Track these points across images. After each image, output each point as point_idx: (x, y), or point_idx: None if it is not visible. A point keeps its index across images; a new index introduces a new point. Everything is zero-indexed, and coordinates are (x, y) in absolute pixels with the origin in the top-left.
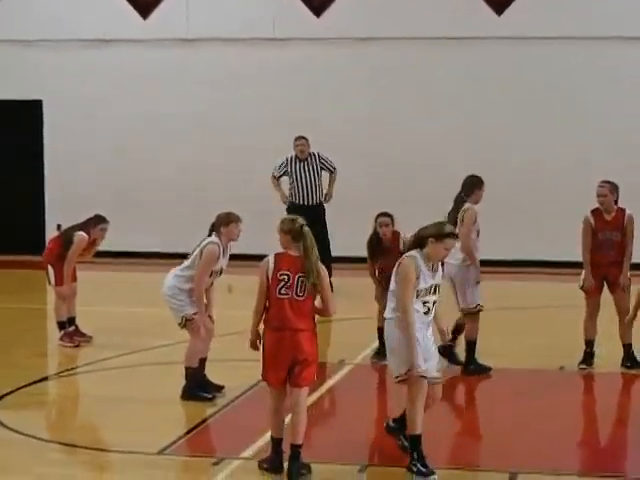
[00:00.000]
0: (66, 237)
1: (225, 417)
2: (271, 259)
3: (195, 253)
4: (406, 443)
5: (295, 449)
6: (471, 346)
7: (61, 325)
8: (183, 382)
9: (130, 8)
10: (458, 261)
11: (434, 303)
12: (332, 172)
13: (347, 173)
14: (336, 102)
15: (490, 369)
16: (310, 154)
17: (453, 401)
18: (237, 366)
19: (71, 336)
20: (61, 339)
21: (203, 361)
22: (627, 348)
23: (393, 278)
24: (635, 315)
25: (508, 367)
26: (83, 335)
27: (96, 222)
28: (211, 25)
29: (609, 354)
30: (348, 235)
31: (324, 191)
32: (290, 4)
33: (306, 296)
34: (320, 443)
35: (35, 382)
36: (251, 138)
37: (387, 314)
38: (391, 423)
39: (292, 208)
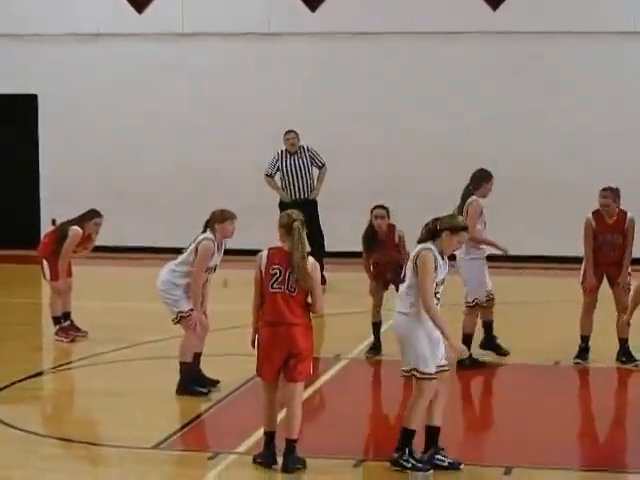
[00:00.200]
0: (61, 232)
1: (220, 412)
2: (264, 254)
3: (190, 249)
4: (447, 461)
5: (290, 443)
6: (468, 339)
7: (56, 320)
8: (178, 377)
9: (125, 2)
10: (462, 254)
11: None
12: (321, 167)
13: (344, 167)
14: (333, 97)
15: (484, 364)
16: (300, 148)
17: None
18: (232, 361)
19: (66, 331)
20: (56, 334)
21: (198, 356)
22: (623, 343)
23: (410, 272)
24: (631, 315)
25: (503, 361)
26: (78, 330)
27: (90, 217)
28: (207, 20)
29: (604, 349)
30: (344, 229)
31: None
32: None
33: (298, 291)
34: (315, 438)
35: (30, 377)
36: (247, 133)
37: (403, 308)
38: (394, 455)
39: (284, 202)
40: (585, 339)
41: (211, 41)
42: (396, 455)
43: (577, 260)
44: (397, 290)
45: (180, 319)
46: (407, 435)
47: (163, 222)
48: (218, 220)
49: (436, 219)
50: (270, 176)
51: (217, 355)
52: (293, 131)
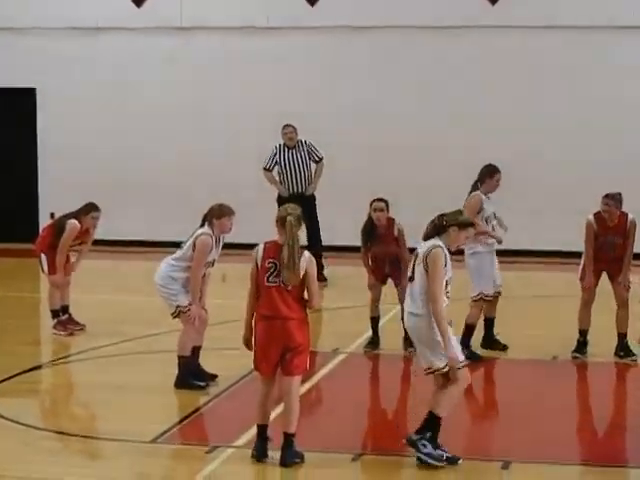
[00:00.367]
0: (58, 225)
1: (218, 406)
2: (260, 247)
3: (188, 244)
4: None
5: (288, 437)
6: (470, 330)
7: (54, 313)
8: (177, 371)
9: None
10: (467, 249)
11: None
12: (318, 162)
13: (343, 162)
14: (332, 91)
15: (481, 358)
16: (299, 142)
17: None
18: (231, 355)
19: (64, 324)
20: (54, 327)
21: (197, 350)
22: (621, 337)
23: (421, 271)
24: None
25: (501, 356)
26: (77, 323)
27: (88, 210)
28: (205, 14)
29: (603, 343)
30: (343, 224)
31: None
32: None
33: (294, 285)
34: (313, 432)
35: (28, 370)
36: (247, 126)
37: (416, 309)
38: (413, 436)
39: (282, 197)
40: (583, 333)
41: (210, 35)
42: (415, 437)
43: (576, 255)
44: (396, 285)
45: (179, 313)
46: (433, 420)
47: (162, 216)
48: (216, 216)
49: (442, 215)
50: (268, 170)
51: (216, 349)
52: (291, 125)
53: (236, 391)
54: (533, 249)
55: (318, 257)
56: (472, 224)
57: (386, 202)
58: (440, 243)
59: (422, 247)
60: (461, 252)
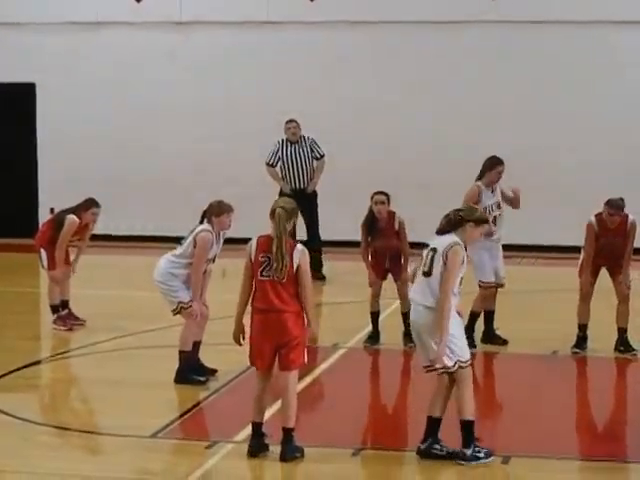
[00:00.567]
0: (58, 220)
1: (218, 401)
2: (254, 242)
3: (188, 240)
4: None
5: (287, 432)
6: (473, 317)
7: (54, 309)
8: (177, 365)
9: None
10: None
11: None
12: (318, 158)
13: (343, 157)
14: (332, 86)
15: (475, 347)
16: (301, 137)
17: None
18: (230, 350)
19: (64, 319)
20: (54, 322)
21: (197, 345)
22: (621, 332)
23: (440, 264)
24: None
25: (501, 350)
26: (76, 319)
27: (87, 206)
28: (204, 8)
29: (603, 338)
30: (343, 220)
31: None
32: None
33: (287, 279)
34: (313, 427)
35: (28, 365)
36: (247, 121)
37: (432, 303)
38: (468, 451)
39: (283, 192)
40: (583, 328)
41: (209, 29)
42: (469, 452)
43: (576, 249)
44: (395, 280)
45: (180, 310)
46: (470, 427)
47: (162, 211)
48: (215, 213)
49: (458, 210)
50: (271, 165)
51: (215, 344)
52: (294, 120)
53: (236, 386)
54: (533, 244)
55: (317, 254)
56: (487, 221)
57: (387, 195)
58: (458, 239)
59: (438, 242)
60: None
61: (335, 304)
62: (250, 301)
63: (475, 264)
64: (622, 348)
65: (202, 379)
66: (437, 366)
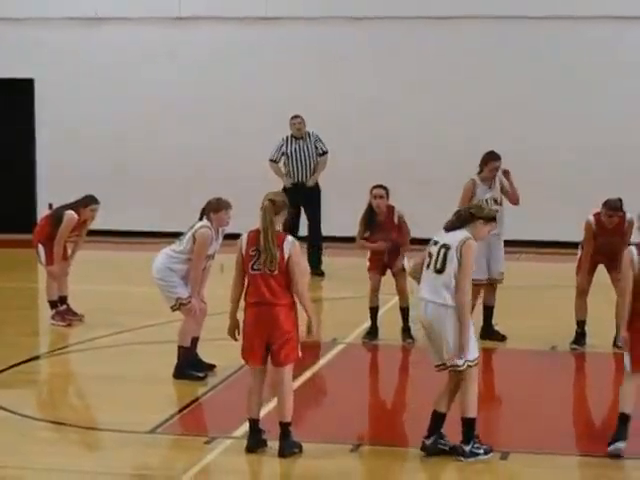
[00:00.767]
0: (56, 216)
1: (217, 396)
2: (245, 236)
3: (188, 237)
4: (449, 446)
5: (284, 427)
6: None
7: (52, 304)
8: (175, 361)
9: None
10: None
11: None
12: (321, 155)
13: (343, 153)
14: (332, 82)
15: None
16: (306, 133)
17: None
18: (229, 345)
19: (63, 315)
20: (53, 318)
21: (195, 340)
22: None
23: (453, 260)
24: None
25: (500, 346)
26: (75, 314)
27: (86, 203)
28: (203, 4)
29: (601, 334)
30: (343, 215)
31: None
32: None
33: (279, 271)
34: (312, 422)
35: (26, 361)
36: (247, 117)
37: (447, 301)
38: (466, 447)
39: (287, 189)
40: (581, 324)
41: (207, 25)
42: (468, 448)
43: (575, 245)
44: (393, 274)
45: (179, 306)
46: (471, 424)
47: (162, 207)
48: (213, 210)
49: (469, 207)
50: (275, 161)
51: (214, 340)
52: (299, 116)
53: (234, 381)
54: (532, 239)
55: (317, 251)
56: (495, 218)
57: (386, 189)
58: (469, 235)
59: (450, 238)
60: None
61: (334, 299)
62: (243, 296)
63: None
64: (620, 344)
65: (201, 375)
66: (458, 362)
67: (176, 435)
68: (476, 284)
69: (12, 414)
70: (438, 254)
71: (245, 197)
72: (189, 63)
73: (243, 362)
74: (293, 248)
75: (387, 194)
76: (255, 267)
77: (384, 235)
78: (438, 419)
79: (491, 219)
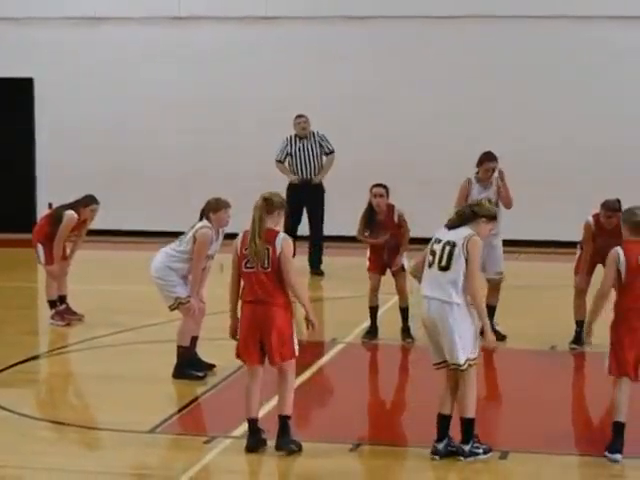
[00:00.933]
0: (55, 216)
1: (216, 396)
2: (240, 236)
3: (189, 236)
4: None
5: (283, 420)
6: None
7: (52, 304)
8: (174, 360)
9: None
10: None
11: None
12: (328, 154)
13: (343, 152)
14: (331, 81)
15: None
16: (311, 133)
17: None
18: (228, 345)
19: (62, 315)
20: (52, 317)
21: (195, 340)
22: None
23: (460, 257)
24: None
25: (499, 346)
26: (74, 314)
27: (86, 203)
28: (203, 3)
29: (601, 334)
30: (343, 214)
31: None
32: None
33: (271, 267)
34: (311, 422)
35: (26, 360)
36: (246, 116)
37: (453, 298)
38: (466, 447)
39: (292, 187)
40: (580, 324)
41: (207, 24)
42: (468, 447)
43: (574, 245)
44: (393, 274)
45: (178, 305)
46: (470, 424)
47: (162, 206)
48: (213, 209)
49: (471, 205)
50: (280, 162)
51: (213, 339)
52: (304, 115)
53: (234, 381)
54: (531, 239)
55: (318, 250)
56: (496, 217)
57: (386, 188)
58: (473, 231)
59: (454, 236)
60: None
61: (334, 299)
62: (240, 295)
63: None
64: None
65: (200, 374)
66: (460, 360)
67: (176, 435)
68: None
69: (12, 413)
70: (443, 251)
71: (245, 197)
72: (189, 63)
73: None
74: (285, 243)
75: (387, 193)
76: (248, 265)
77: (383, 234)
78: (445, 422)
79: (493, 217)
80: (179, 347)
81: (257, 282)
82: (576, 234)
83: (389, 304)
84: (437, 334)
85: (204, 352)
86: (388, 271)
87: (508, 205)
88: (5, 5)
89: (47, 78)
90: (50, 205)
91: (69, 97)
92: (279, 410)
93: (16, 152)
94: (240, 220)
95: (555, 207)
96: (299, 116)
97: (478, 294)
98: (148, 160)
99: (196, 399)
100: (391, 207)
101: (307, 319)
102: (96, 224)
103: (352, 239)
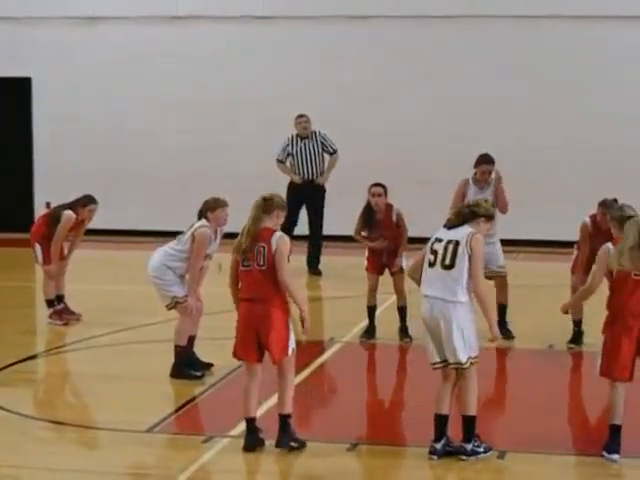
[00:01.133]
0: (54, 215)
1: (214, 395)
2: (240, 234)
3: (187, 235)
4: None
5: (282, 419)
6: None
7: (50, 303)
8: (172, 360)
9: None
10: None
11: None
12: (332, 153)
13: (342, 152)
14: (331, 81)
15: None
16: (312, 132)
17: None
18: (226, 344)
19: (60, 314)
20: (50, 317)
21: (192, 339)
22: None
23: (463, 256)
24: (570, 307)
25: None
26: (72, 313)
27: (85, 203)
28: (201, 3)
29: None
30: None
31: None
32: None
33: (267, 265)
34: (309, 421)
35: (24, 360)
36: (246, 116)
37: (457, 297)
38: (468, 446)
39: (293, 186)
40: (578, 323)
41: (205, 24)
42: (469, 446)
43: (572, 244)
44: (392, 273)
45: (175, 304)
46: (472, 422)
47: (162, 206)
48: (210, 208)
49: (469, 205)
50: (281, 162)
51: (211, 338)
52: (305, 115)
53: (232, 380)
54: (529, 238)
55: (317, 250)
56: (493, 216)
57: (384, 187)
58: (475, 230)
59: (456, 234)
60: None
61: (332, 298)
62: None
63: None
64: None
65: (198, 374)
66: (462, 359)
67: (173, 434)
68: None
69: (10, 413)
70: (446, 250)
71: (245, 196)
72: (188, 62)
73: (239, 361)
74: (282, 241)
75: (385, 192)
76: (245, 264)
77: (382, 233)
78: (442, 422)
79: (491, 217)
80: (176, 346)
81: (253, 280)
82: (575, 234)
83: (387, 304)
84: (439, 334)
85: (202, 351)
86: (386, 271)
87: (504, 210)
88: (4, 4)
89: (45, 77)
90: (48, 204)
91: (67, 96)
92: (279, 409)
93: (14, 151)
94: (239, 220)
95: (554, 207)
96: (300, 116)
97: (484, 290)
98: (147, 159)
99: (194, 399)
100: (390, 207)
101: (301, 319)
102: (95, 223)
103: (351, 239)
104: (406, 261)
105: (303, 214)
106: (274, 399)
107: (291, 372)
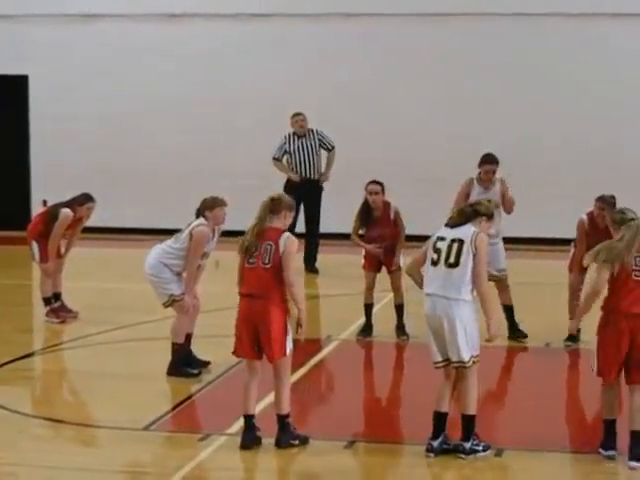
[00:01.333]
0: (51, 213)
1: (211, 393)
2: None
3: (185, 234)
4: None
5: (281, 419)
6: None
7: (46, 301)
8: (169, 358)
9: None
10: None
11: None
12: (329, 150)
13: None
14: (328, 79)
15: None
16: (309, 130)
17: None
18: (223, 342)
19: (57, 312)
20: (47, 315)
21: (189, 337)
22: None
23: (468, 255)
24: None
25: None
26: (69, 311)
27: (83, 201)
28: (197, 0)
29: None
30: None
31: (322, 169)
32: None
33: (272, 264)
34: (306, 419)
35: (21, 358)
36: (242, 114)
37: (462, 295)
38: (467, 445)
39: (290, 184)
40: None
41: (201, 21)
42: (468, 445)
43: (569, 242)
44: (389, 272)
45: (172, 302)
46: (472, 421)
47: (159, 204)
48: (209, 207)
49: (473, 204)
50: (277, 159)
51: (208, 336)
52: (301, 113)
53: (229, 378)
54: (527, 236)
55: (314, 248)
56: (493, 216)
57: (381, 185)
58: (478, 229)
59: (460, 233)
60: None
61: (329, 296)
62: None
63: None
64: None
65: (195, 371)
66: (465, 358)
67: (170, 432)
68: None
69: (7, 411)
70: (450, 249)
71: (242, 194)
72: (185, 60)
73: (237, 358)
74: (289, 241)
75: (382, 190)
76: (250, 261)
77: (380, 231)
78: (441, 419)
79: (491, 216)
80: (173, 344)
81: (255, 277)
82: (569, 232)
83: (384, 301)
84: (442, 332)
85: (199, 349)
86: (383, 268)
87: (509, 210)
88: (0, 2)
89: (42, 75)
90: (44, 202)
91: (64, 94)
92: (276, 410)
93: (11, 149)
94: (238, 218)
95: (554, 205)
96: (296, 114)
97: (488, 290)
98: (143, 157)
99: (191, 396)
100: (387, 204)
101: (298, 320)
102: (93, 221)
103: (348, 236)
104: (404, 259)
105: (300, 213)
106: (271, 397)
107: (287, 372)
